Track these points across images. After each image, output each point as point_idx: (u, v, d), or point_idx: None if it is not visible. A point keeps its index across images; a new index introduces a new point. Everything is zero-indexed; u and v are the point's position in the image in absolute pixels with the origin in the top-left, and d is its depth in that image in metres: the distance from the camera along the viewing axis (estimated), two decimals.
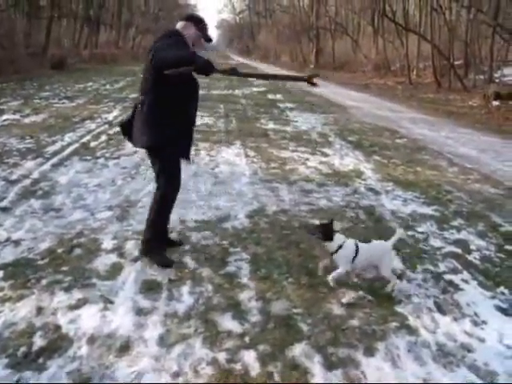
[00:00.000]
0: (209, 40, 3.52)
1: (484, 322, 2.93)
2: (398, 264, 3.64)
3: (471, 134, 9.99)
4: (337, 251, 3.14)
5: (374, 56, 28.74)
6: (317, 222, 4.22)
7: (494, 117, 12.38)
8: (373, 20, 30.56)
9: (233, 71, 3.30)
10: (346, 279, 3.32)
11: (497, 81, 17.16)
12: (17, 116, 9.64)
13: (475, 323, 2.92)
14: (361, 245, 3.21)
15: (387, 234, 4.17)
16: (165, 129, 3.33)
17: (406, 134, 9.56)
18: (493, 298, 3.24)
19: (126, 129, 3.50)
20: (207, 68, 3.04)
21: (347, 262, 3.15)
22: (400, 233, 3.42)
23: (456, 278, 3.48)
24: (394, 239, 3.28)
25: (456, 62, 20.00)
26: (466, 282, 3.44)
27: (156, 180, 3.55)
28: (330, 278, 3.19)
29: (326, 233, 3.18)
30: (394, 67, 26.57)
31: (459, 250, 3.97)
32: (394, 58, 26.85)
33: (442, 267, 3.65)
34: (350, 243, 3.19)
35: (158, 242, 3.59)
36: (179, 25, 3.42)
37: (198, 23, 3.42)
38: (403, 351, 2.63)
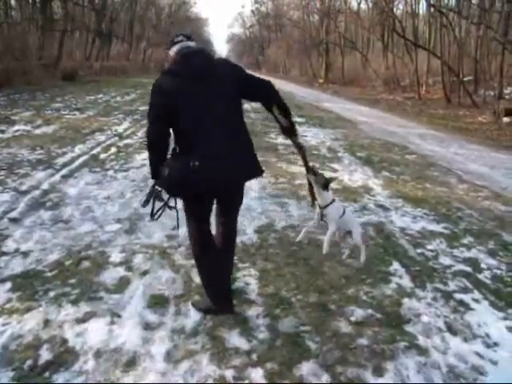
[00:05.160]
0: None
1: (496, 344, 2.86)
2: (407, 282, 3.60)
3: (481, 151, 9.93)
4: (327, 206, 3.26)
5: (384, 71, 28.85)
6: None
7: (505, 133, 12.30)
8: (382, 36, 30.75)
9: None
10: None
11: (507, 97, 17.13)
12: (28, 127, 9.74)
13: (487, 345, 2.86)
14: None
15: (397, 251, 4.17)
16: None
17: (416, 149, 9.53)
18: (505, 319, 3.16)
19: None
20: None
21: (336, 220, 3.29)
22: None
23: (466, 298, 3.42)
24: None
25: (466, 78, 20.02)
26: (477, 301, 3.38)
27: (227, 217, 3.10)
28: (326, 243, 3.27)
29: (325, 183, 3.23)
30: (404, 83, 26.65)
31: (469, 269, 3.91)
32: (403, 74, 26.95)
33: (452, 286, 3.59)
34: (339, 202, 3.43)
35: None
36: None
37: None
38: (412, 372, 2.58)
